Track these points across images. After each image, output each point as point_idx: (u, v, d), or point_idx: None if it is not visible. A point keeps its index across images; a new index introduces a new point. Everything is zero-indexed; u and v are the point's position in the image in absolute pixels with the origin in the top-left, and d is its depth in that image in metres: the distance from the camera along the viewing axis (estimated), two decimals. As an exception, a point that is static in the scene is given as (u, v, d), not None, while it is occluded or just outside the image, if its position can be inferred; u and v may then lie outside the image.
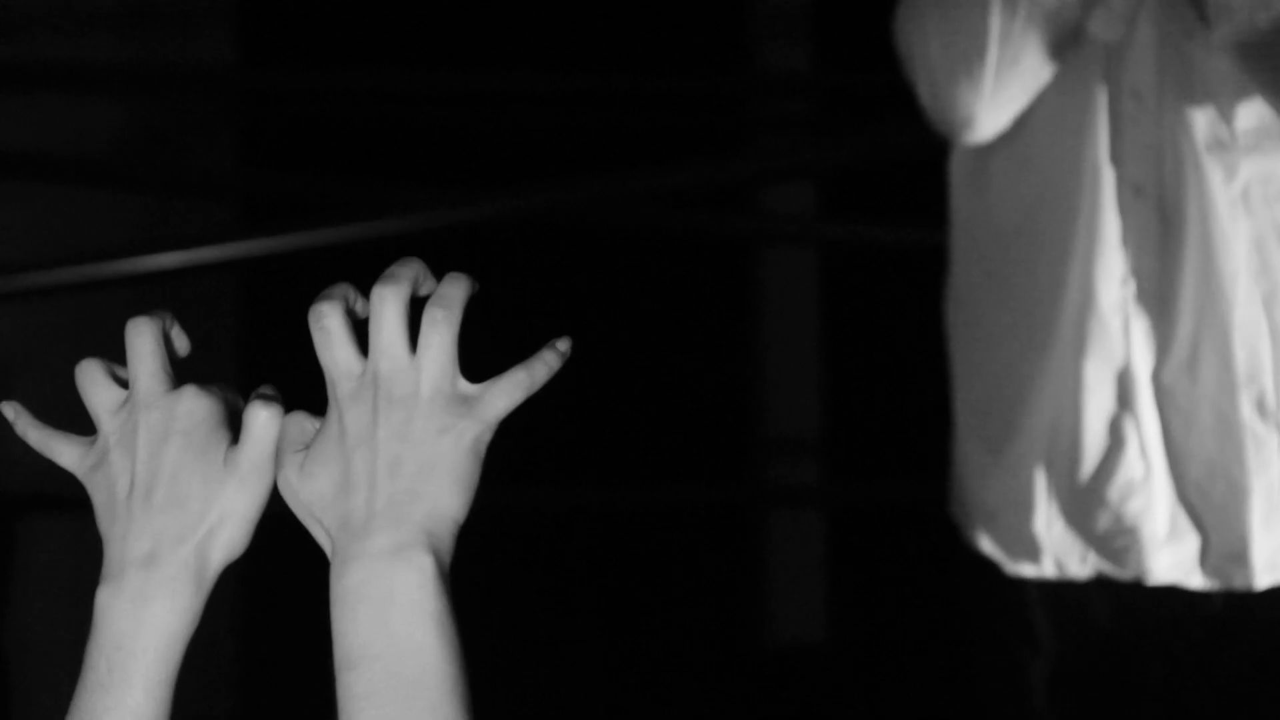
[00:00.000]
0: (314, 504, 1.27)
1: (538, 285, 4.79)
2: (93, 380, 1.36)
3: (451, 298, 1.29)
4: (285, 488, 1.29)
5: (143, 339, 1.34)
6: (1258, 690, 2.62)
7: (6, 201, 4.04)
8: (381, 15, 4.88)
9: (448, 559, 1.25)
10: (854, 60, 4.89)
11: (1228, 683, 2.62)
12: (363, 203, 3.84)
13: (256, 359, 4.50)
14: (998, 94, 2.51)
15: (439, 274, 1.30)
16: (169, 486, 1.31)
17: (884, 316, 5.21)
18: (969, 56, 2.50)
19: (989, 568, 2.72)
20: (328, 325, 1.28)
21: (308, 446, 1.30)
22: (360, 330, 1.29)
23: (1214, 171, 2.52)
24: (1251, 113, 2.50)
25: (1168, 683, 2.64)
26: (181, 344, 1.38)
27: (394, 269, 1.29)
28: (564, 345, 1.30)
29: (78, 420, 1.37)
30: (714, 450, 5.23)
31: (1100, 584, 2.66)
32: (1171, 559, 2.60)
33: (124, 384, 1.36)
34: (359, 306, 1.31)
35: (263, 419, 1.32)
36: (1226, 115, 2.51)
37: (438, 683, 1.20)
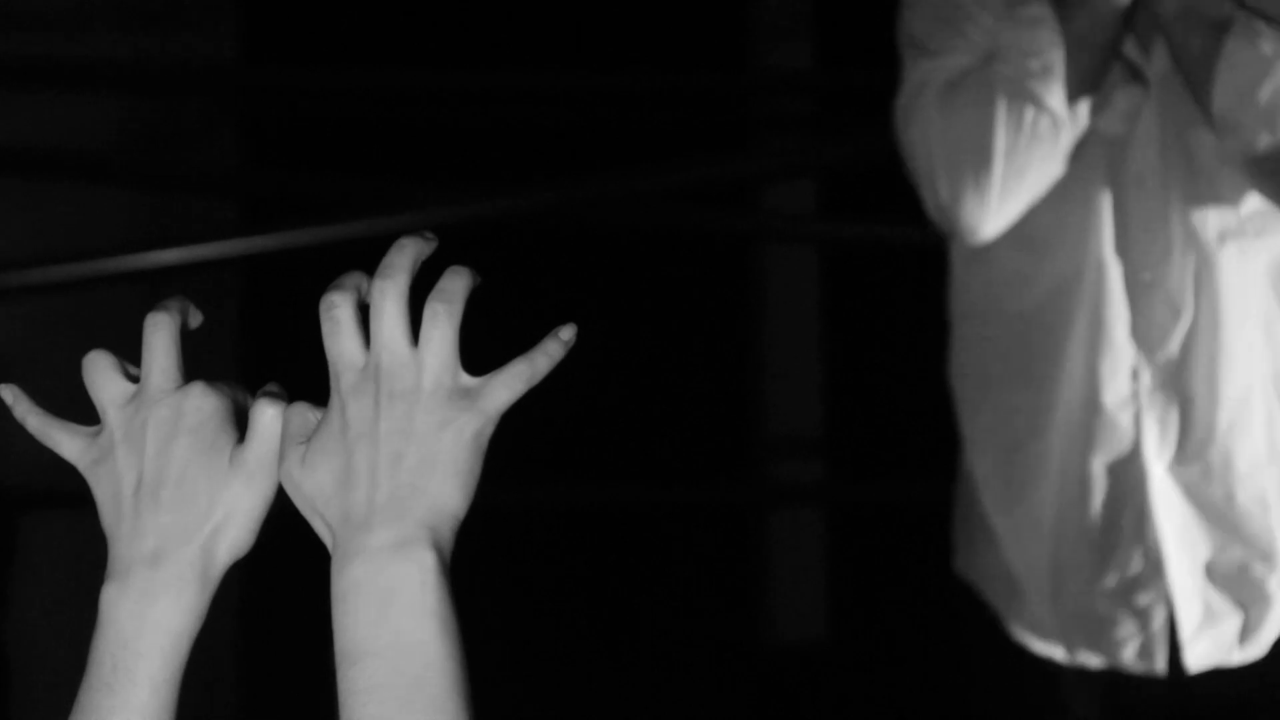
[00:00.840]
0: (315, 497, 1.27)
1: (540, 283, 4.79)
2: (100, 372, 1.36)
3: (452, 292, 1.28)
4: (287, 480, 1.29)
5: (159, 334, 1.34)
6: None
7: (10, 198, 4.04)
8: (383, 13, 4.88)
9: (449, 554, 1.24)
10: (855, 59, 4.88)
11: None
12: (364, 200, 3.84)
13: (258, 356, 4.50)
14: (1003, 204, 2.50)
15: (439, 271, 1.30)
16: (176, 485, 1.31)
17: (885, 315, 5.20)
18: (976, 171, 2.48)
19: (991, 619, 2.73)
20: (337, 315, 1.29)
21: (309, 439, 1.30)
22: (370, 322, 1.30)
23: (1225, 258, 2.51)
24: (1257, 198, 2.50)
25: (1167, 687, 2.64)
26: (195, 320, 1.38)
27: (391, 260, 1.29)
28: (567, 334, 1.30)
29: (80, 416, 1.36)
30: (715, 449, 5.23)
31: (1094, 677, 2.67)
32: (1211, 643, 2.60)
33: (131, 378, 1.36)
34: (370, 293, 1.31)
35: (269, 417, 1.32)
36: (1233, 202, 2.50)
37: (439, 679, 1.20)
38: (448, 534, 1.25)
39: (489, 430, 1.27)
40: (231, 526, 1.32)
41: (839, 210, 5.08)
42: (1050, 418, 2.60)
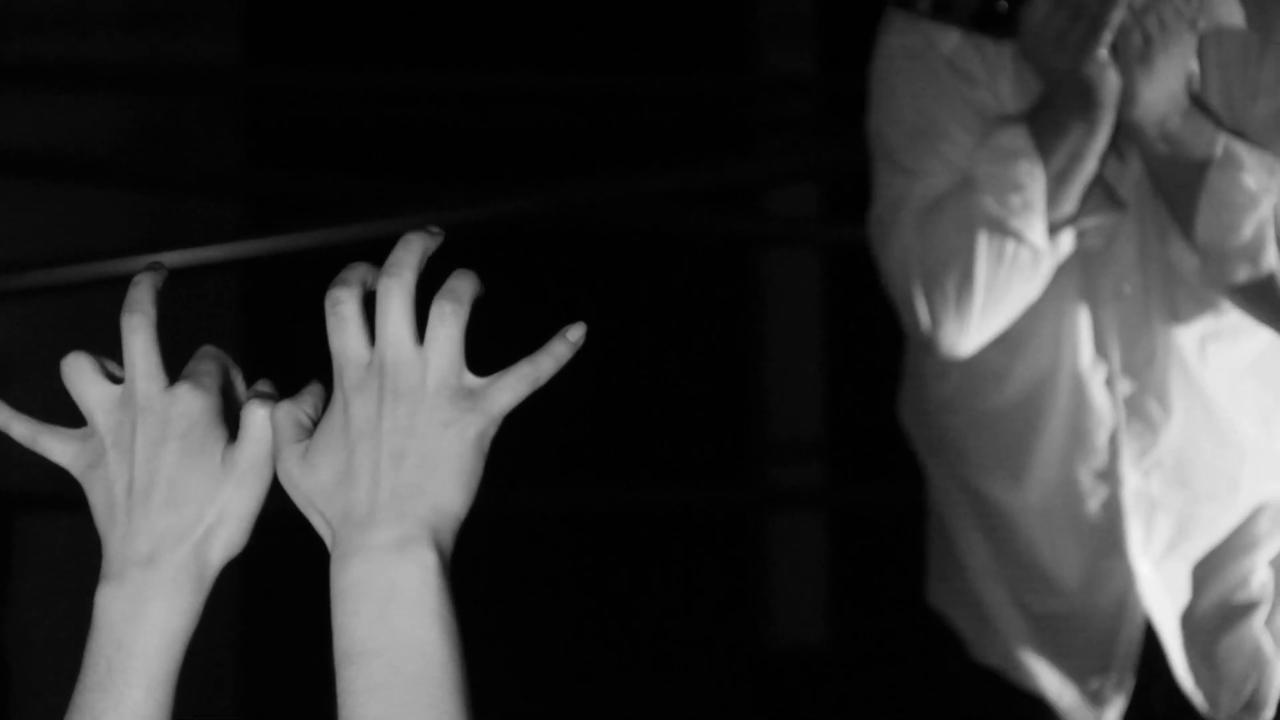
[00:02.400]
0: (315, 494, 1.26)
1: (541, 285, 4.79)
2: (82, 376, 1.34)
3: (460, 292, 1.28)
4: (285, 478, 1.29)
5: (136, 337, 1.33)
6: None
7: (11, 200, 4.04)
8: (386, 14, 4.88)
9: (449, 554, 1.24)
10: (857, 62, 4.88)
11: None
12: (367, 201, 3.84)
13: (260, 358, 4.50)
14: (982, 326, 2.49)
15: (441, 272, 1.30)
16: (168, 488, 1.31)
17: (887, 319, 5.20)
18: (957, 298, 2.46)
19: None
20: (343, 312, 1.28)
21: (308, 435, 1.29)
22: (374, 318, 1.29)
23: (1209, 361, 2.50)
24: None
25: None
26: (160, 278, 1.36)
27: (398, 257, 1.28)
28: (575, 335, 1.29)
29: (77, 420, 1.36)
30: (715, 452, 5.23)
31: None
32: (1233, 701, 2.60)
33: (113, 378, 1.35)
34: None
35: (260, 418, 1.32)
36: (1214, 308, 2.49)
37: (439, 679, 1.20)
38: (448, 534, 1.25)
39: (491, 431, 1.27)
40: (224, 527, 1.32)
41: (841, 213, 5.07)
42: (1027, 504, 2.60)
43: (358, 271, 1.30)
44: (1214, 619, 2.57)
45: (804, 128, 5.41)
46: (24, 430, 1.36)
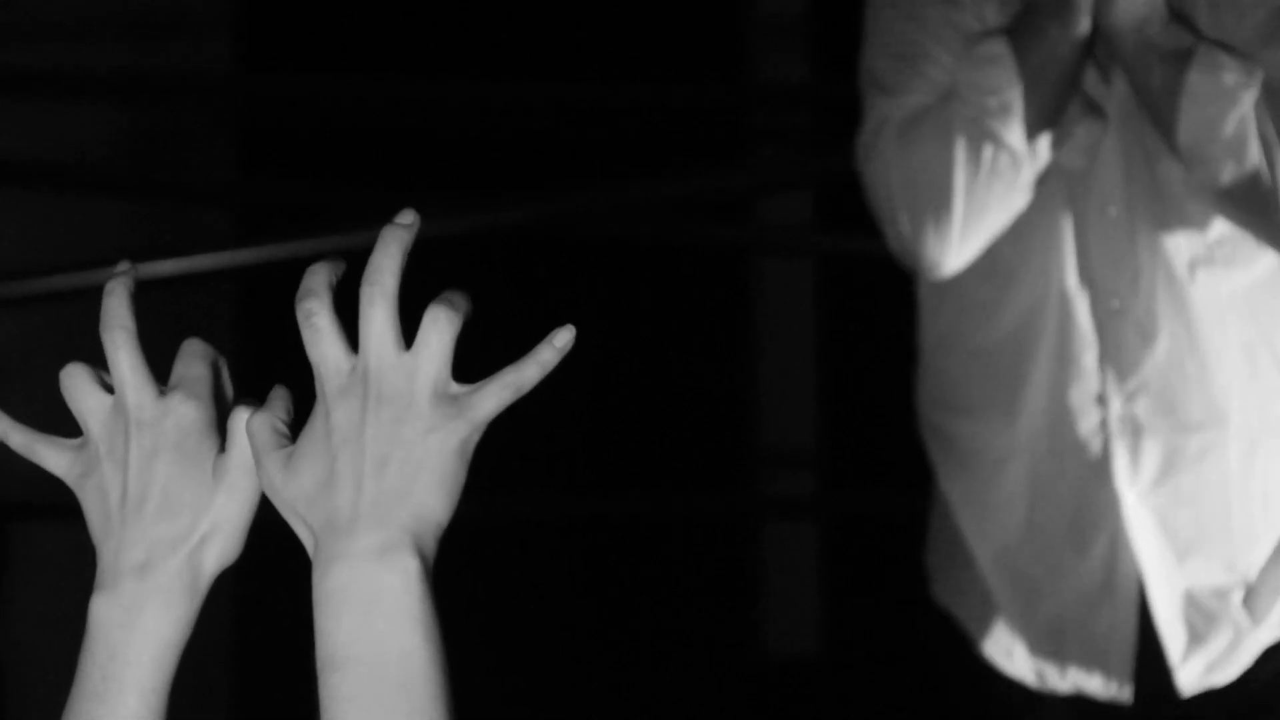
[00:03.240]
0: (297, 501, 1.26)
1: (533, 294, 4.79)
2: (78, 386, 1.35)
3: (456, 302, 1.28)
4: (268, 485, 1.28)
5: (120, 353, 1.33)
6: None
7: (4, 208, 4.04)
8: (380, 23, 4.88)
9: (432, 561, 1.24)
10: (852, 71, 4.89)
11: None
12: (361, 210, 3.84)
13: (254, 366, 4.50)
14: (965, 239, 2.50)
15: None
16: (161, 497, 1.31)
17: (880, 328, 5.21)
18: (936, 208, 2.47)
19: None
20: (317, 323, 1.27)
21: (288, 441, 1.29)
22: (349, 324, 1.29)
23: (1197, 286, 2.51)
24: (1226, 224, 2.49)
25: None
26: (130, 280, 1.35)
27: (379, 263, 1.27)
28: (561, 341, 1.28)
29: (75, 427, 1.36)
30: (709, 460, 5.24)
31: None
32: (1201, 666, 2.60)
33: (108, 388, 1.35)
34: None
35: (244, 425, 1.32)
36: (1202, 229, 2.50)
37: (422, 686, 1.20)
38: (431, 541, 1.24)
39: (475, 438, 1.27)
40: (218, 536, 1.32)
41: (834, 222, 5.08)
42: (1019, 445, 2.60)
43: (322, 277, 1.29)
44: (1199, 582, 2.58)
45: (797, 136, 5.42)
46: (21, 439, 1.36)
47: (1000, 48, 2.45)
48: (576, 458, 5.03)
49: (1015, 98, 2.44)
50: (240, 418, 1.32)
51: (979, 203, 2.47)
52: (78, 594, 1.34)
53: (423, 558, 1.23)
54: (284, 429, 1.30)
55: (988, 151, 2.45)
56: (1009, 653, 2.66)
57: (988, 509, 2.65)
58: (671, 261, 5.12)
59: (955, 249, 2.51)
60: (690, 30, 5.20)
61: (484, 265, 4.39)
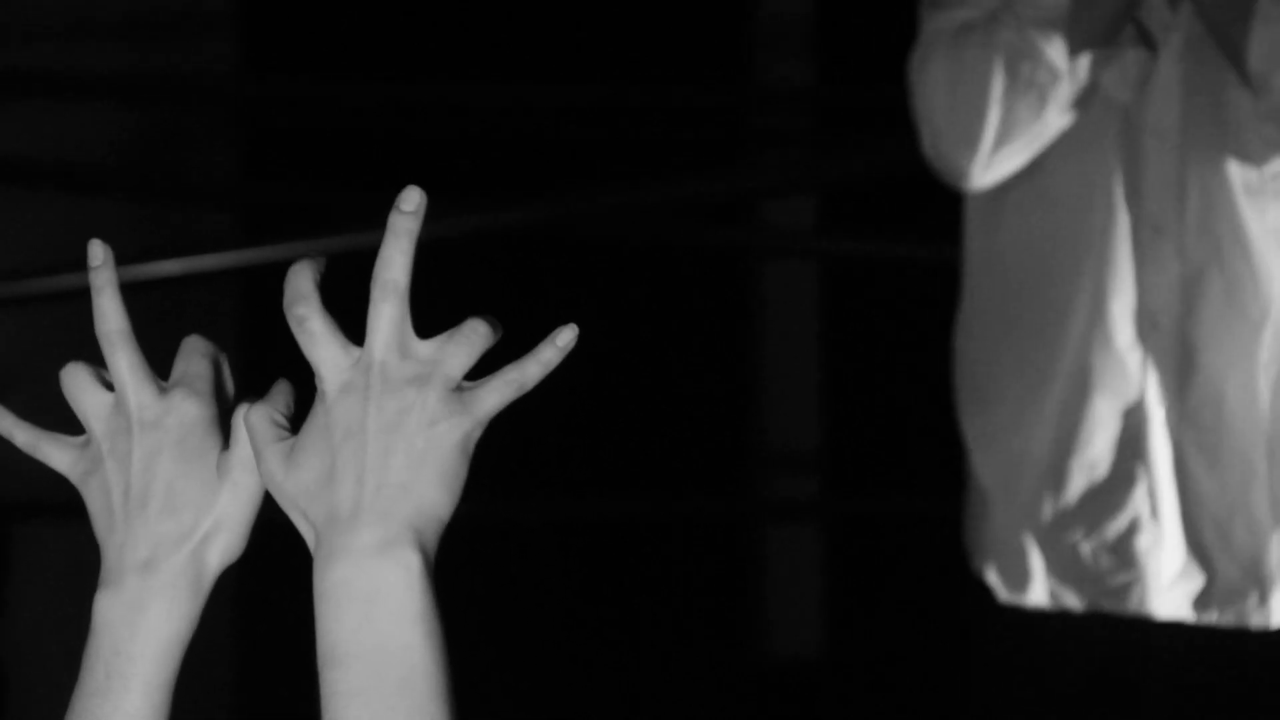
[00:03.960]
0: (299, 495, 1.25)
1: (538, 296, 4.79)
2: (79, 385, 1.34)
3: (489, 324, 1.27)
4: (268, 479, 1.27)
5: (118, 355, 1.33)
6: None
7: (9, 208, 4.05)
8: (383, 26, 4.88)
9: (434, 557, 1.23)
10: (855, 75, 4.89)
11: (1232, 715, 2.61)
12: (365, 212, 3.84)
13: (257, 367, 4.50)
14: (997, 153, 2.51)
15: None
16: (164, 495, 1.31)
17: (884, 331, 5.21)
18: (969, 117, 2.50)
19: (992, 601, 2.72)
20: (311, 328, 1.26)
21: (289, 434, 1.28)
22: (343, 320, 1.27)
23: (1246, 213, 2.51)
24: None
25: (1168, 715, 2.63)
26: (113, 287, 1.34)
27: (390, 255, 1.26)
28: (564, 339, 1.27)
29: (77, 426, 1.36)
30: (712, 464, 5.23)
31: (1103, 618, 2.65)
32: (1183, 596, 2.59)
33: (110, 386, 1.35)
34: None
35: (246, 419, 1.31)
36: (1257, 159, 2.50)
37: (423, 683, 1.19)
38: (433, 537, 1.23)
39: (477, 434, 1.26)
40: (222, 533, 1.32)
41: (838, 226, 5.08)
42: (1058, 368, 2.60)
43: (307, 278, 1.28)
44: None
45: (802, 140, 5.42)
46: (25, 438, 1.36)
47: None
48: (580, 459, 5.02)
49: (1060, 14, 2.44)
50: (242, 413, 1.32)
51: (1014, 115, 2.48)
52: (81, 593, 1.34)
53: (425, 553, 1.22)
54: (283, 421, 1.29)
55: (1026, 65, 2.46)
56: (1026, 570, 2.64)
57: (1021, 437, 2.65)
58: (675, 264, 5.12)
59: (985, 158, 2.52)
60: (694, 32, 5.20)
61: (487, 267, 4.39)
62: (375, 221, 3.55)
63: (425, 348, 1.26)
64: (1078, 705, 2.67)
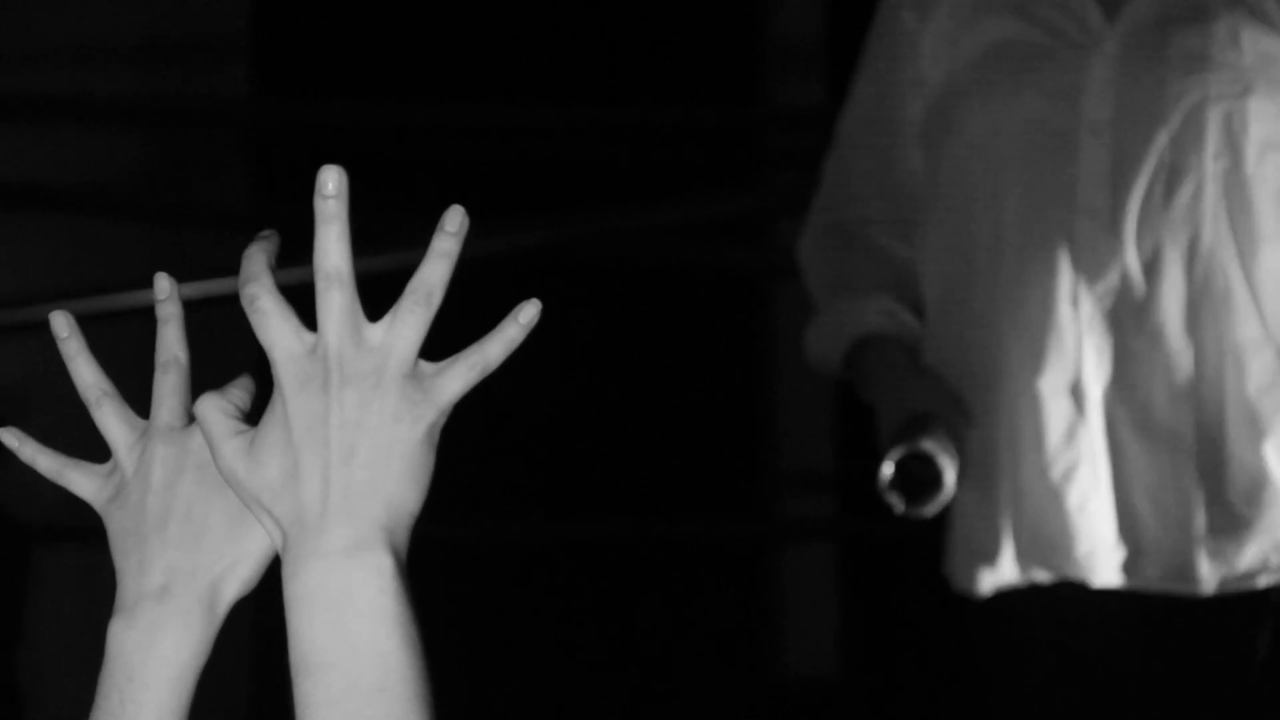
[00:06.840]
0: (262, 492, 1.21)
1: (551, 317, 4.80)
2: (108, 419, 1.35)
3: (432, 283, 1.25)
4: (229, 474, 1.23)
5: (168, 378, 1.35)
6: (1199, 697, 2.61)
7: (22, 233, 4.06)
8: (396, 49, 4.90)
9: (404, 555, 1.19)
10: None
11: (1171, 689, 2.62)
12: (376, 235, 3.85)
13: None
14: None
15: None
16: (183, 522, 1.31)
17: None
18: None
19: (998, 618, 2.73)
20: (262, 306, 1.25)
21: (245, 426, 1.25)
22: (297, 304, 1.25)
23: (1260, 170, 2.53)
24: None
25: (1115, 690, 2.63)
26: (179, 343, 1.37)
27: (326, 247, 1.26)
28: (527, 315, 1.25)
29: (98, 451, 1.37)
30: (728, 483, 5.23)
31: (1053, 597, 2.65)
32: (1119, 564, 2.59)
33: (139, 415, 1.36)
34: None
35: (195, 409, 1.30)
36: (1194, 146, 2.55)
37: (400, 689, 1.16)
38: (404, 534, 1.20)
39: (440, 423, 1.22)
40: (242, 566, 1.31)
41: (851, 245, 5.07)
42: (1010, 355, 2.62)
43: (260, 259, 1.28)
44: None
45: (813, 160, 5.42)
46: (49, 464, 1.36)
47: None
48: (596, 480, 5.03)
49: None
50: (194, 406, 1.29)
51: None
52: (96, 618, 1.34)
53: (396, 554, 1.18)
54: (236, 413, 1.26)
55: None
56: (991, 557, 2.65)
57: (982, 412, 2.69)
58: (689, 284, 5.12)
59: None
60: (707, 54, 5.21)
61: (499, 287, 4.40)
62: (389, 243, 3.55)
63: (376, 332, 1.23)
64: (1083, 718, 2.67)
